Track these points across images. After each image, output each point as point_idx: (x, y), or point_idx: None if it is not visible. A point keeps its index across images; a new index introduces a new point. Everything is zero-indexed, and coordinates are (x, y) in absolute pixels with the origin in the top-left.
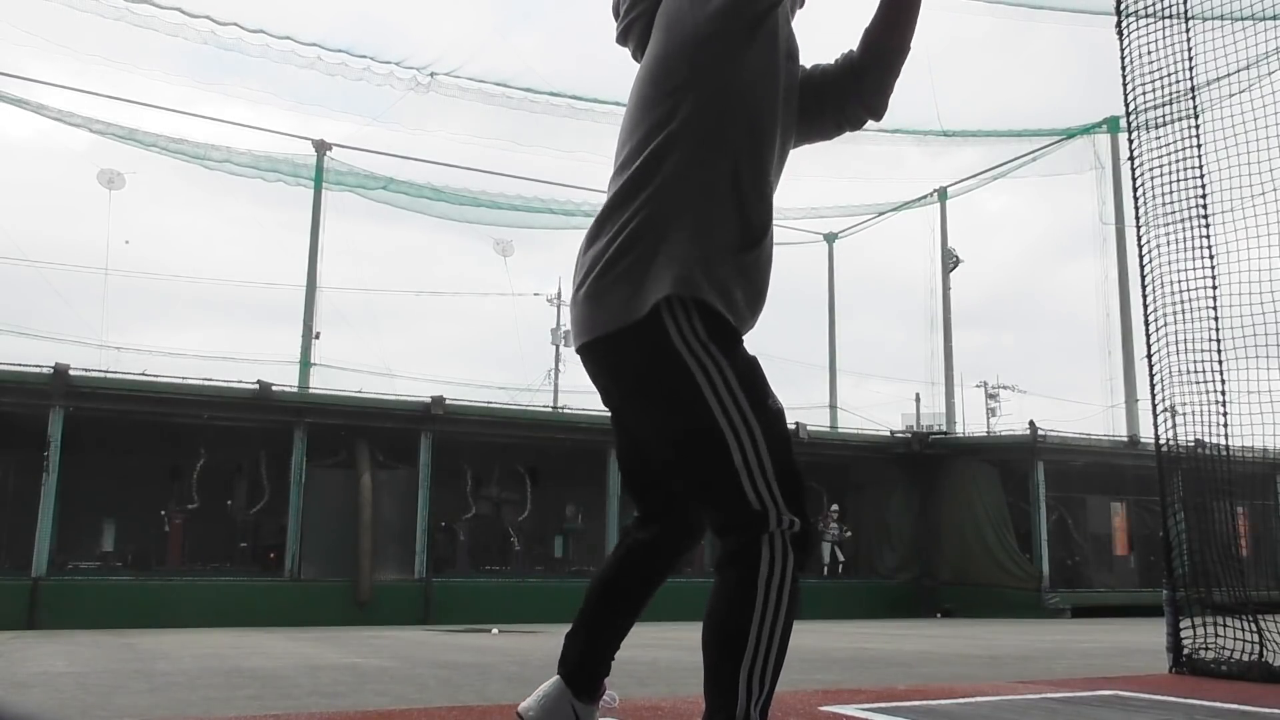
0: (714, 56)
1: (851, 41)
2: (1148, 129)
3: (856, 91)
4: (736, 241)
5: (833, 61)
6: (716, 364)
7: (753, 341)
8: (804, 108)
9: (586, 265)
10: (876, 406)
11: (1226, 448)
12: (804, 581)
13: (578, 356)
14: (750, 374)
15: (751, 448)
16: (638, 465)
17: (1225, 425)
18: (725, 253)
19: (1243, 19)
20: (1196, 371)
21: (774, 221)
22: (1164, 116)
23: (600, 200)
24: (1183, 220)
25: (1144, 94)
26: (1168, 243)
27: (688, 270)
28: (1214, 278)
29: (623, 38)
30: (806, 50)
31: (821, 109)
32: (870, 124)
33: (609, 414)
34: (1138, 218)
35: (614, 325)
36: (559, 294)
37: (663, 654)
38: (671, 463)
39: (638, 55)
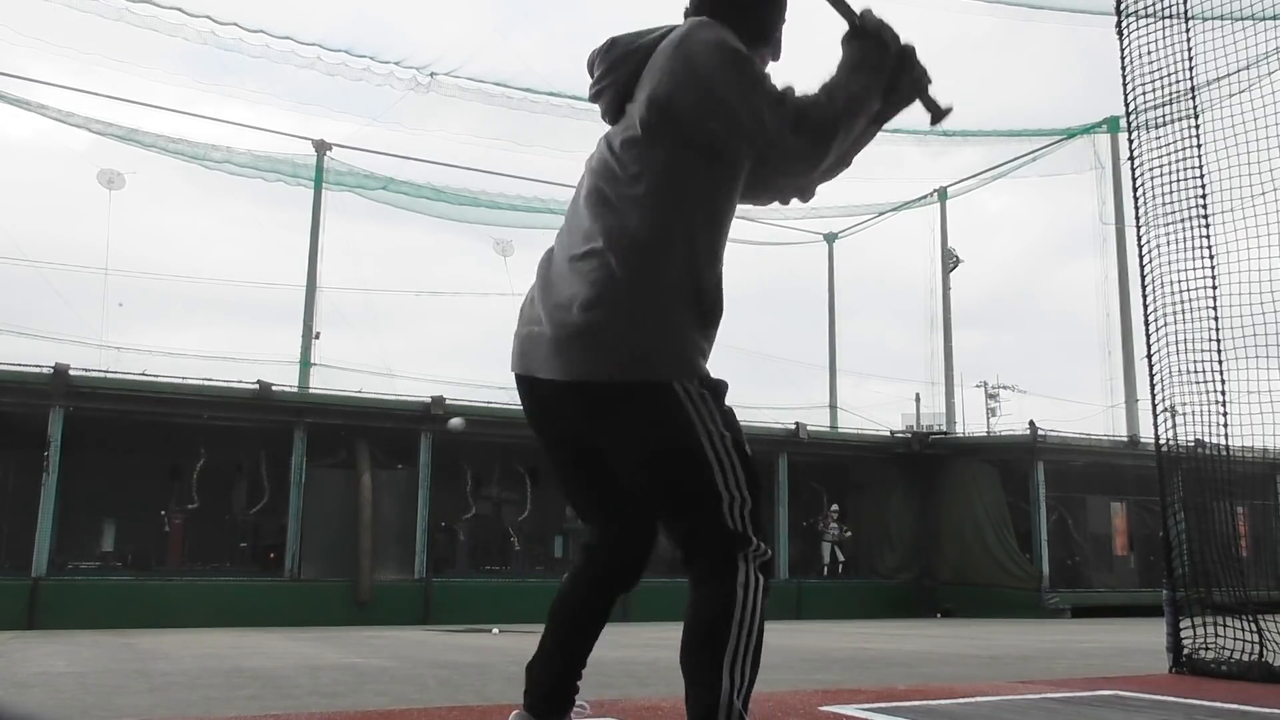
0: (690, 160)
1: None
2: (1148, 129)
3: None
4: (698, 322)
5: None
6: (710, 411)
7: (754, 341)
8: (749, 184)
9: (561, 303)
10: (876, 406)
11: (1226, 448)
12: (804, 582)
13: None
14: (733, 421)
15: (735, 483)
16: (579, 492)
17: (1225, 425)
18: (697, 332)
19: (1243, 19)
20: (1196, 371)
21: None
22: (1164, 116)
23: None
24: (1183, 220)
25: (1144, 94)
26: (1168, 243)
27: (688, 352)
28: (1214, 278)
29: (594, 98)
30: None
31: (765, 185)
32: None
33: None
34: (1138, 218)
35: (618, 376)
36: None
37: (663, 654)
38: (656, 491)
39: (605, 119)
